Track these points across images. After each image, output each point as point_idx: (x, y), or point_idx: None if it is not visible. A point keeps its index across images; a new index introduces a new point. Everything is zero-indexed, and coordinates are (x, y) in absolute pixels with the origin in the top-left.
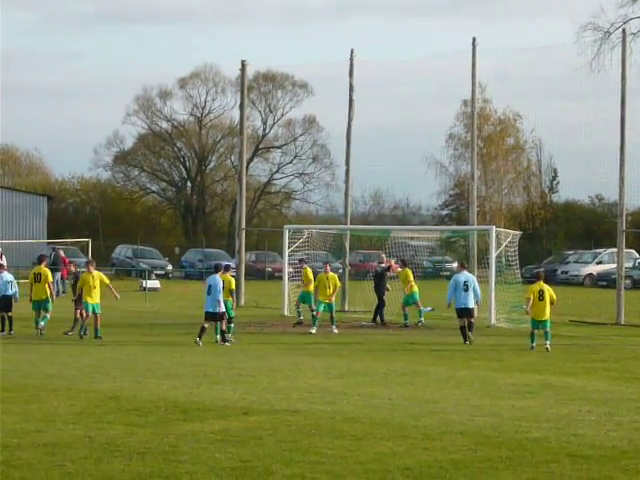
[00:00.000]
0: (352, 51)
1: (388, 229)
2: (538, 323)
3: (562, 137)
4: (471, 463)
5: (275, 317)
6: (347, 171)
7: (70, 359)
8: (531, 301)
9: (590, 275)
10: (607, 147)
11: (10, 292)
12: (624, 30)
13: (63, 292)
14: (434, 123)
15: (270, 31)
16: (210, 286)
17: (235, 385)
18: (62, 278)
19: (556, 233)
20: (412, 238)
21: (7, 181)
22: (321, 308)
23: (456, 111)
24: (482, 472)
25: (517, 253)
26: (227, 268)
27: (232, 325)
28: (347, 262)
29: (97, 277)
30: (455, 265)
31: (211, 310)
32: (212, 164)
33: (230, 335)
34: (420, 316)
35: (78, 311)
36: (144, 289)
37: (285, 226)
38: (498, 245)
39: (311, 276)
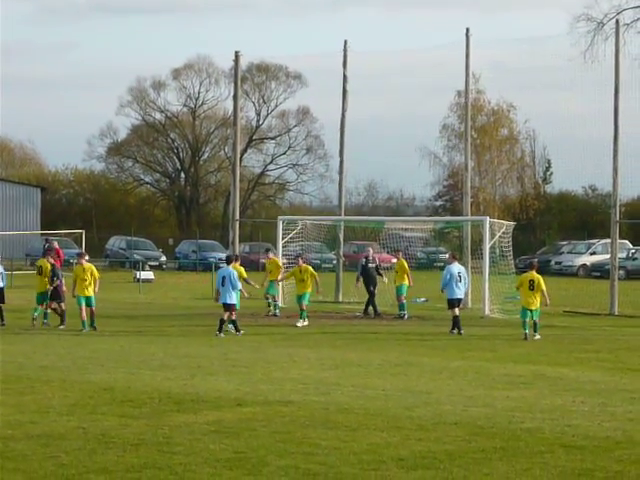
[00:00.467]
0: (345, 42)
1: (382, 220)
2: (528, 312)
3: (556, 128)
4: (465, 454)
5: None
6: (341, 162)
7: (64, 350)
8: (521, 290)
9: (584, 266)
10: (601, 138)
11: (2, 284)
12: (617, 21)
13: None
14: (428, 114)
15: (264, 22)
16: (224, 277)
17: (229, 376)
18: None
19: (550, 224)
20: (406, 229)
21: (0, 172)
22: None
23: (450, 102)
24: (476, 462)
25: (511, 244)
26: (237, 259)
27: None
28: (341, 253)
29: (88, 269)
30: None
31: (227, 301)
32: (206, 155)
33: (231, 326)
34: (400, 309)
35: (53, 303)
36: (138, 280)
37: (279, 217)
38: (492, 236)
39: (280, 263)
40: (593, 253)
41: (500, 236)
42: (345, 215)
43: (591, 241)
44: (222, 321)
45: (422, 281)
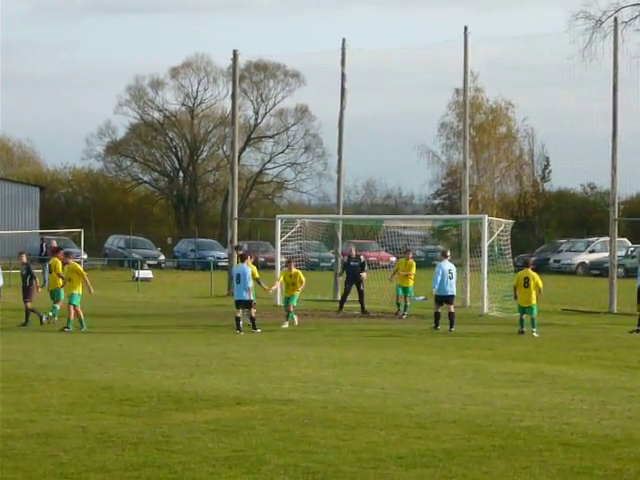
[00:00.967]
0: (344, 40)
1: (380, 218)
2: (524, 309)
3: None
4: (464, 452)
5: (268, 307)
6: (339, 160)
7: (63, 349)
8: (517, 288)
9: (583, 264)
10: (599, 135)
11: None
12: (616, 19)
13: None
14: (426, 112)
15: (262, 20)
16: (239, 275)
17: (228, 375)
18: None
19: (548, 222)
20: (404, 227)
21: None
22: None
23: (448, 100)
24: (475, 461)
25: (509, 242)
26: (251, 256)
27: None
28: (339, 252)
29: (73, 269)
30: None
31: (242, 298)
32: (204, 154)
33: (242, 323)
34: (399, 308)
35: (28, 304)
36: (136, 279)
37: (277, 216)
38: (490, 234)
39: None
40: (592, 251)
41: (499, 234)
42: (343, 213)
43: (590, 239)
44: (238, 319)
45: (420, 279)
